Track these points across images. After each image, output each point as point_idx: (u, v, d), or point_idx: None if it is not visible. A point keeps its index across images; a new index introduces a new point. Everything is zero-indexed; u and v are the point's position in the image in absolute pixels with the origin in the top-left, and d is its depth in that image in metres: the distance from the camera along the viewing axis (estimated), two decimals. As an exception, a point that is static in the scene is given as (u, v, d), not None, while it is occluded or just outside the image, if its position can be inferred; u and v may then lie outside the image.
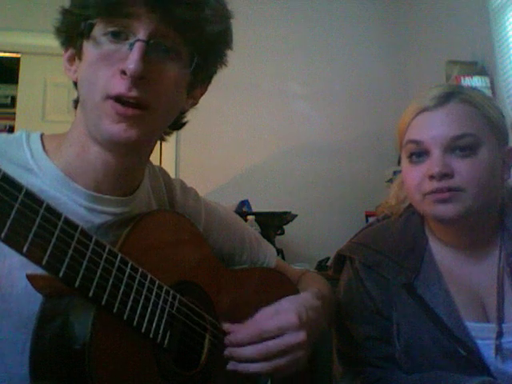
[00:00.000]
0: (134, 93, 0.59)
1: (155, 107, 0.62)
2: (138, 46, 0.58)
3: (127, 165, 0.68)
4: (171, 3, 0.59)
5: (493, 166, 0.83)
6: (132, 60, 0.57)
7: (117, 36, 0.60)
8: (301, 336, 0.68)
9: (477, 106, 0.85)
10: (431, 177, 0.82)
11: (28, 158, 0.65)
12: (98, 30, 0.61)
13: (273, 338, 0.67)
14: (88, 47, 0.62)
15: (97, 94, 0.60)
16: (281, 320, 0.68)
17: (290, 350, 0.67)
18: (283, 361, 0.67)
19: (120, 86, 0.59)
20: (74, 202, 0.65)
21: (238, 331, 0.69)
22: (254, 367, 0.67)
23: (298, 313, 0.69)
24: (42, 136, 0.69)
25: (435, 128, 0.84)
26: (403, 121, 0.91)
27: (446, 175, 0.81)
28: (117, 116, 0.60)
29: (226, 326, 0.70)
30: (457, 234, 0.89)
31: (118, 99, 0.59)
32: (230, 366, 0.68)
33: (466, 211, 0.81)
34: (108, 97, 0.60)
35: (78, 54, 0.65)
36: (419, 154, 0.86)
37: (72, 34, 0.64)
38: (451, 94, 0.86)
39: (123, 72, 0.58)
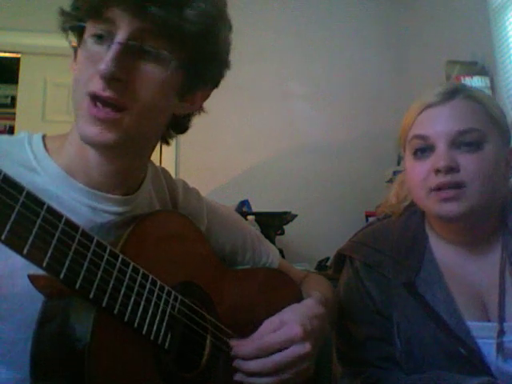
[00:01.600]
0: (108, 93, 0.59)
1: (132, 109, 0.61)
2: (112, 48, 0.59)
3: (123, 166, 0.68)
4: (151, 6, 0.59)
5: (497, 163, 0.83)
6: (104, 61, 0.58)
7: (101, 38, 0.61)
8: (306, 348, 0.68)
9: (481, 102, 0.85)
10: (437, 171, 0.82)
11: (30, 157, 0.66)
12: (87, 32, 0.62)
13: (279, 350, 0.67)
14: (79, 48, 0.64)
15: (79, 92, 0.61)
16: (286, 333, 0.68)
17: (296, 362, 0.68)
18: (289, 373, 0.68)
19: (96, 85, 0.59)
20: (77, 201, 0.66)
21: (244, 345, 0.69)
22: (260, 380, 0.67)
23: (302, 324, 0.69)
24: (44, 137, 0.70)
25: (441, 123, 0.84)
26: (408, 117, 0.91)
27: (451, 169, 0.81)
28: (90, 117, 0.60)
29: (233, 343, 0.70)
30: (459, 231, 0.89)
31: (94, 98, 0.59)
32: (237, 377, 0.69)
33: (471, 209, 0.81)
34: (86, 94, 0.60)
35: (75, 54, 0.66)
36: (424, 149, 0.86)
37: (72, 34, 0.65)
38: (456, 91, 0.86)
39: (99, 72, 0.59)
